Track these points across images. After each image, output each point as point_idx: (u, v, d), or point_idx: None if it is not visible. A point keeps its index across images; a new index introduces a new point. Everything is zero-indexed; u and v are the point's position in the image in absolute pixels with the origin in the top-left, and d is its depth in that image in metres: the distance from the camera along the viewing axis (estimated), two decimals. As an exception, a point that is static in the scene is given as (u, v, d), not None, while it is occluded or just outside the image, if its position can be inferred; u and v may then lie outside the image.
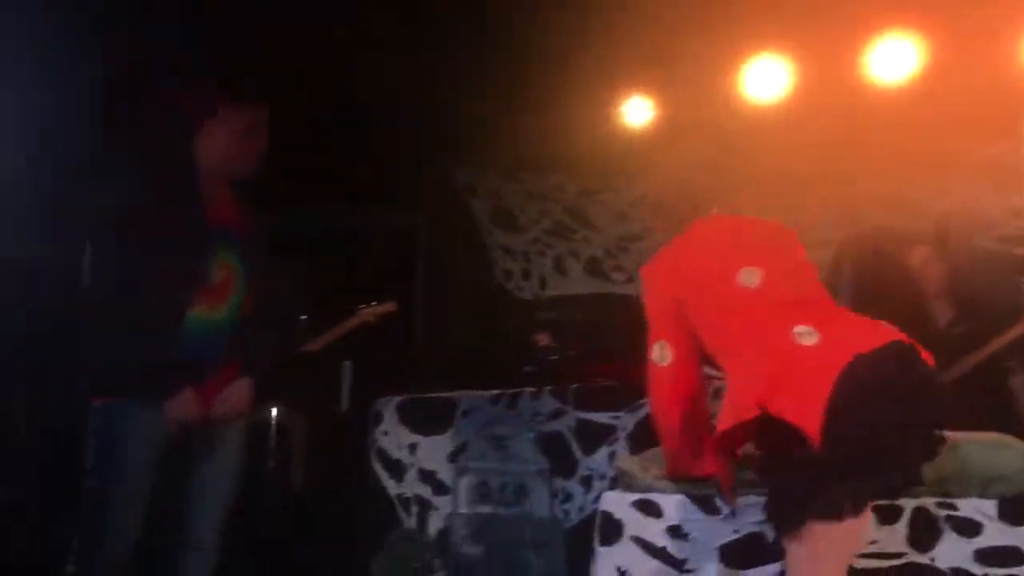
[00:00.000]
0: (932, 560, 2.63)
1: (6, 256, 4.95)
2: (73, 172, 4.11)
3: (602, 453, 3.47)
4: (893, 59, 4.85)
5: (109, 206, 2.97)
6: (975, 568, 2.64)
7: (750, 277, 2.48)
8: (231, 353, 3.02)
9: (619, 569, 2.81)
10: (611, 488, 3.02)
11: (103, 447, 2.91)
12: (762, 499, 2.66)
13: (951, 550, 2.65)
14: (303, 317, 5.30)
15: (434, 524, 3.86)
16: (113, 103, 4.32)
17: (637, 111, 5.74)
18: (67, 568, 3.01)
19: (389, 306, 5.27)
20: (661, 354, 2.57)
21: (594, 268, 6.02)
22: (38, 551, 4.07)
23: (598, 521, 2.89)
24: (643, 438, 3.31)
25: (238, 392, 3.03)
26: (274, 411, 4.63)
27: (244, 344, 3.06)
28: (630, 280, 5.87)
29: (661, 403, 2.61)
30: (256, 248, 3.12)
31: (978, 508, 2.66)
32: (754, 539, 2.71)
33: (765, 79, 5.21)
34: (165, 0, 4.41)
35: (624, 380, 3.91)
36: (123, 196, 2.98)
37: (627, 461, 2.94)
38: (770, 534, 2.71)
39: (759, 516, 2.69)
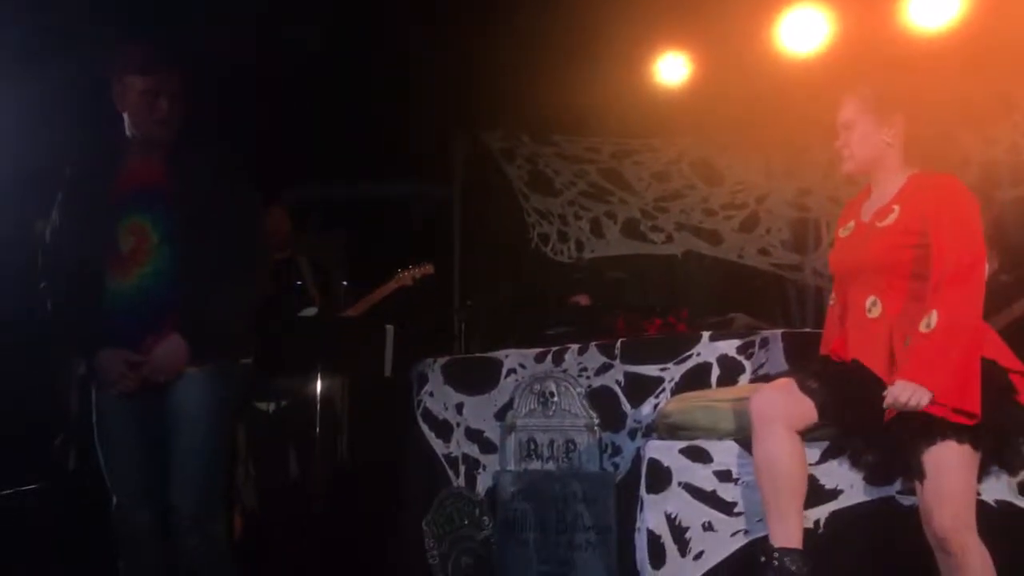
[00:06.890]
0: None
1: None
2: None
3: (649, 405, 3.45)
4: (934, 5, 4.77)
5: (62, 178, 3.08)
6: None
7: None
8: (165, 317, 2.99)
9: (668, 515, 2.84)
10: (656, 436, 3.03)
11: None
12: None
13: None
14: (344, 283, 5.33)
15: (483, 482, 3.87)
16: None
17: (672, 69, 5.68)
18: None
19: (427, 268, 5.29)
20: (988, 265, 2.76)
21: (632, 230, 5.97)
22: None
23: (644, 469, 2.90)
24: (689, 389, 3.31)
25: (167, 349, 2.97)
26: (318, 378, 4.64)
27: (180, 306, 2.99)
28: (669, 240, 5.84)
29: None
30: (189, 207, 3.00)
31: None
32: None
33: (802, 31, 5.13)
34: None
35: (669, 334, 3.90)
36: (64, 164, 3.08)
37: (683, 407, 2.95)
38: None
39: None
